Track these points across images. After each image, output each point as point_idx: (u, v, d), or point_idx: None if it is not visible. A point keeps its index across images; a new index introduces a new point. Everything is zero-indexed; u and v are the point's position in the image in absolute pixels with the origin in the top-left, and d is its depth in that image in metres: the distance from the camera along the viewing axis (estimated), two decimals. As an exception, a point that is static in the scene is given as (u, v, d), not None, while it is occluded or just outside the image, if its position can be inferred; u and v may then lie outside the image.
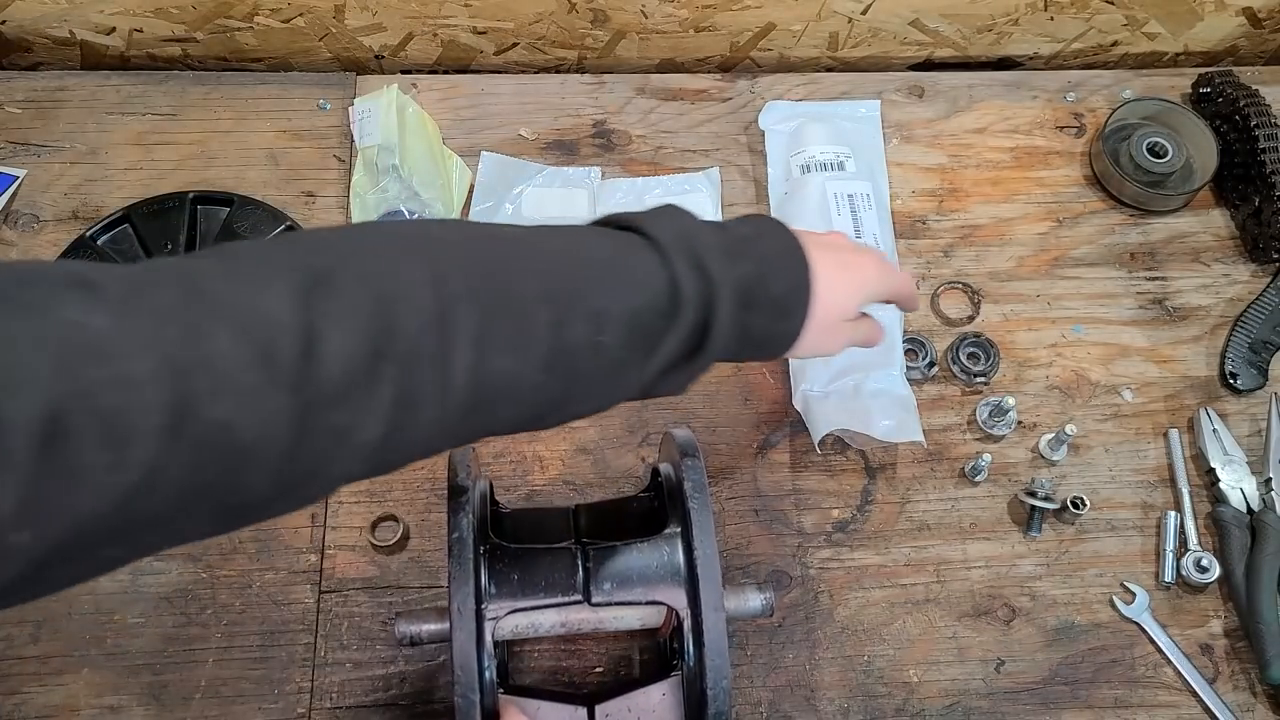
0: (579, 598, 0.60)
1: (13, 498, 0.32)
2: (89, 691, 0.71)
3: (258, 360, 0.37)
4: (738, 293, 0.52)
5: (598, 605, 0.61)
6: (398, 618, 0.64)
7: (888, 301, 0.65)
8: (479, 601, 0.58)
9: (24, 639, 0.72)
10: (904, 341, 0.83)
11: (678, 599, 0.60)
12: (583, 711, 0.63)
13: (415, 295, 0.42)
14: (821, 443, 0.78)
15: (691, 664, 0.59)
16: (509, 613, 0.60)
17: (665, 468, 0.68)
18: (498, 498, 0.75)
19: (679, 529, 0.62)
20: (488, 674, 0.58)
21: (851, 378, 0.80)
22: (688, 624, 0.60)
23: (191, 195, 0.87)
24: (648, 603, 0.61)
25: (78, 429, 0.33)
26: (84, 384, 0.34)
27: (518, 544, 0.62)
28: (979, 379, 0.84)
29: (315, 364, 0.39)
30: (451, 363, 0.43)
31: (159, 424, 0.35)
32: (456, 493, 0.60)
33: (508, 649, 0.73)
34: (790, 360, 0.83)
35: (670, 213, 0.54)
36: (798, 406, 0.81)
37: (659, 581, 0.61)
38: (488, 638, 0.58)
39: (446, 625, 0.57)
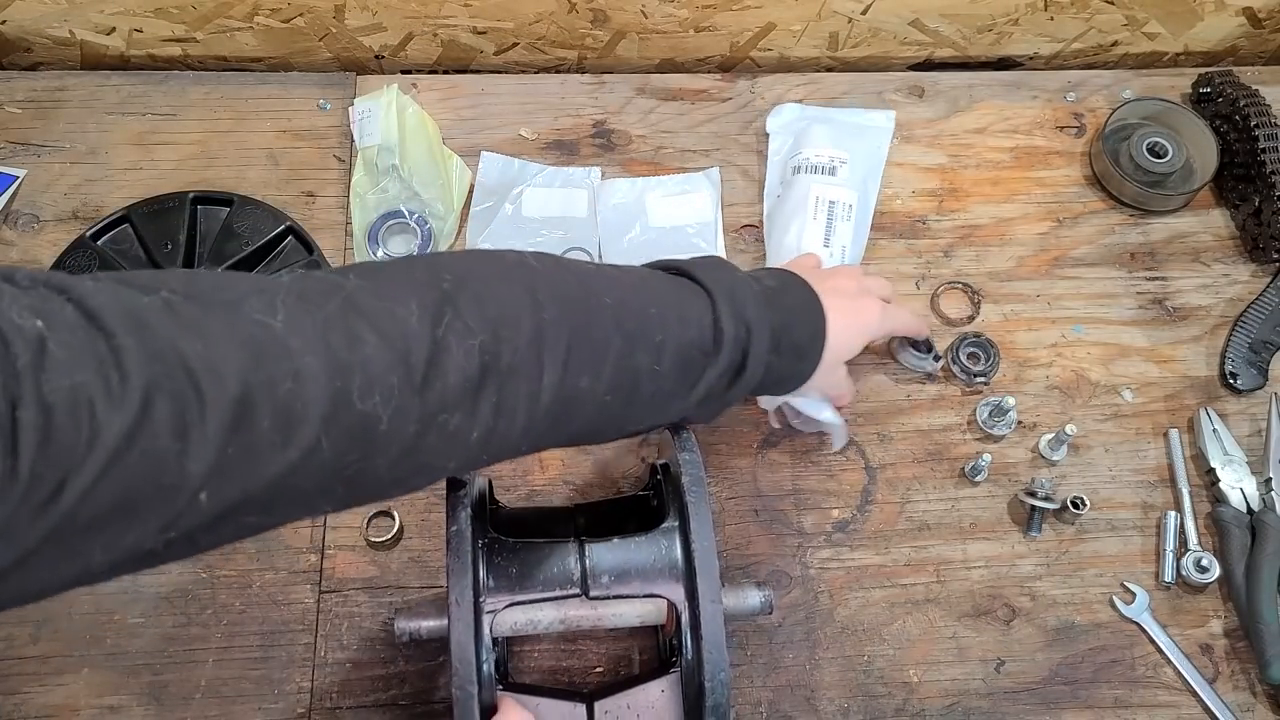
0: (577, 591, 0.61)
1: (205, 463, 0.39)
2: (89, 691, 0.71)
3: (398, 363, 0.45)
4: (769, 338, 0.61)
5: (595, 599, 0.61)
6: (397, 614, 0.64)
7: (890, 336, 0.74)
8: (477, 595, 0.58)
9: (24, 639, 0.72)
10: (904, 341, 0.83)
11: (675, 592, 0.61)
12: (582, 708, 0.63)
13: (519, 318, 0.50)
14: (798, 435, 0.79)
15: (690, 658, 0.60)
16: (507, 606, 0.60)
17: (664, 464, 0.68)
18: (498, 498, 0.76)
19: (676, 523, 0.62)
20: (486, 668, 0.58)
21: None
22: (685, 618, 0.60)
23: (191, 195, 0.87)
24: (645, 596, 0.61)
25: (258, 411, 0.40)
26: (264, 375, 0.40)
27: (516, 539, 0.62)
28: (979, 379, 0.84)
29: (439, 372, 0.46)
30: (542, 379, 0.50)
31: (321, 413, 0.42)
32: (455, 486, 0.60)
33: (508, 649, 0.73)
34: None
35: (718, 264, 0.63)
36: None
37: (656, 575, 0.61)
38: (486, 631, 0.58)
39: (445, 621, 0.57)
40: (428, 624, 0.64)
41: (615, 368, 0.54)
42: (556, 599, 0.61)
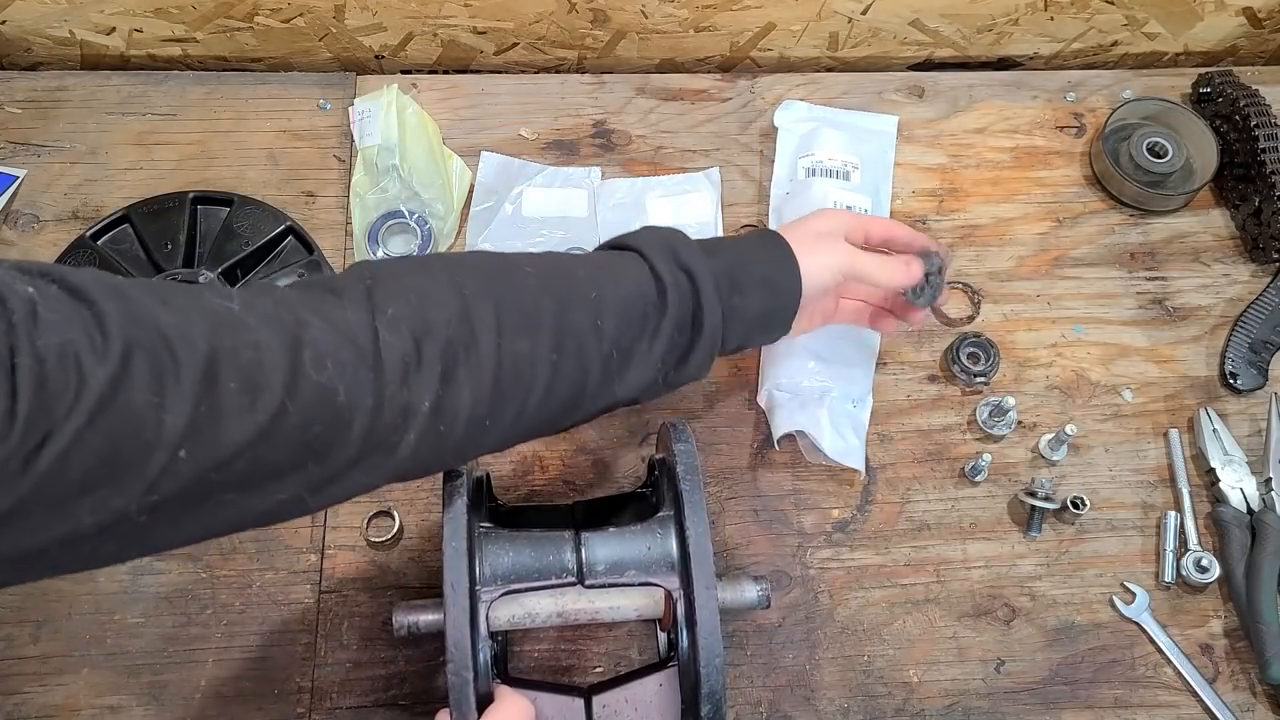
0: (573, 579, 0.61)
1: (181, 418, 0.42)
2: (89, 691, 0.71)
3: (346, 344, 0.49)
4: (720, 279, 0.61)
5: (591, 587, 0.61)
6: (395, 607, 0.64)
7: (861, 280, 0.70)
8: (473, 582, 0.59)
9: (24, 639, 0.72)
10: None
11: (670, 580, 0.61)
12: (580, 703, 0.63)
13: (442, 299, 0.53)
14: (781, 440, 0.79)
15: (685, 649, 0.60)
16: (503, 594, 0.60)
17: (660, 459, 0.68)
18: (497, 496, 0.76)
19: (671, 512, 0.63)
20: (482, 656, 0.58)
21: (820, 387, 0.80)
22: (681, 607, 0.60)
23: (191, 195, 0.87)
24: (640, 584, 0.61)
25: (225, 374, 0.44)
26: (228, 343, 0.44)
27: (513, 530, 0.63)
28: (979, 379, 0.84)
29: (381, 354, 0.50)
30: (478, 345, 0.53)
31: (281, 379, 0.45)
32: (451, 476, 0.61)
33: (508, 647, 0.73)
34: (761, 354, 0.83)
35: (651, 228, 0.64)
36: (761, 403, 0.81)
37: (651, 564, 0.61)
38: (482, 619, 0.59)
39: (443, 615, 0.57)
40: (426, 618, 0.64)
41: (554, 329, 0.56)
42: (552, 587, 0.61)
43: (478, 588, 0.59)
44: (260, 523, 0.49)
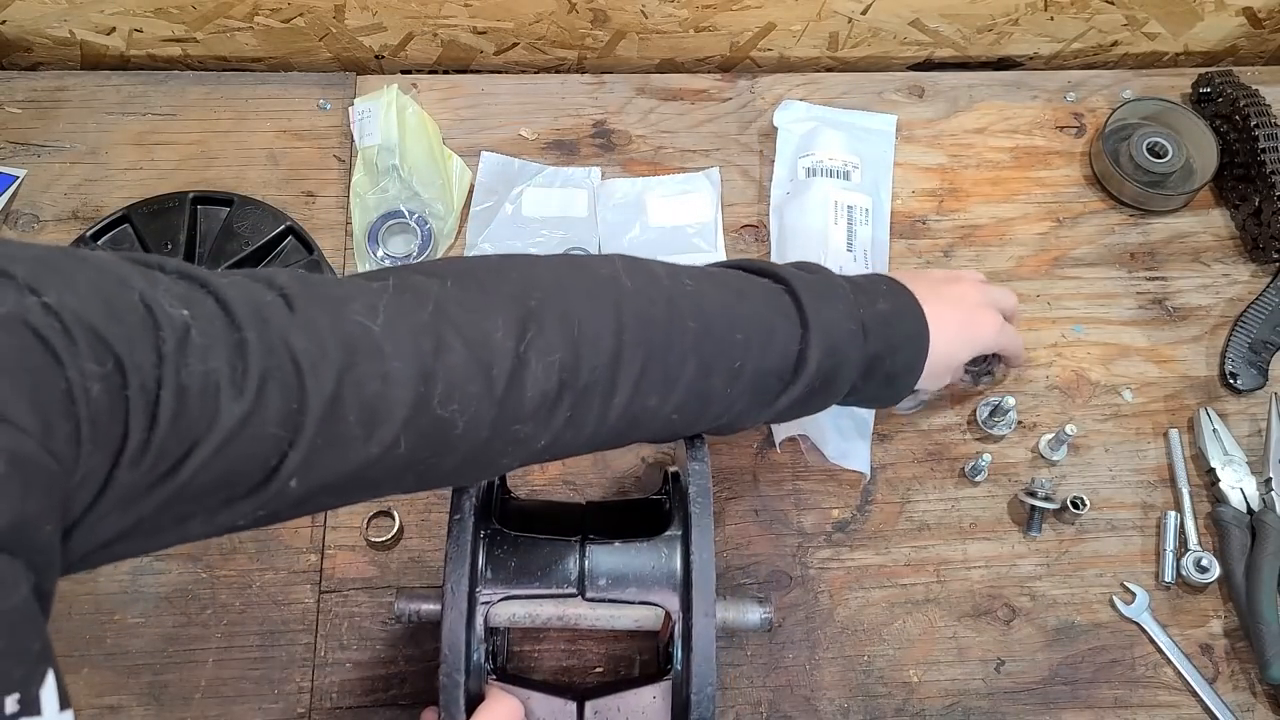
0: (574, 591, 0.61)
1: (300, 455, 0.42)
2: (89, 691, 0.71)
3: (480, 374, 0.48)
4: (859, 368, 0.61)
5: (592, 600, 0.61)
6: (398, 594, 0.64)
7: (1004, 355, 0.73)
8: (473, 585, 0.59)
9: (24, 639, 0.72)
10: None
11: (670, 601, 0.60)
12: (572, 706, 0.63)
13: (600, 339, 0.51)
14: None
15: (679, 669, 0.59)
16: (502, 599, 0.60)
17: (674, 473, 0.68)
18: (510, 490, 0.76)
19: (679, 532, 0.62)
20: (476, 656, 0.58)
21: None
22: (678, 629, 0.60)
23: (191, 195, 0.87)
24: (641, 603, 0.61)
25: (348, 406, 0.44)
26: (357, 374, 0.44)
27: (520, 532, 0.63)
28: (985, 378, 0.84)
29: (518, 386, 0.49)
30: (614, 397, 0.52)
31: (403, 415, 0.45)
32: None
33: (508, 645, 0.73)
34: None
35: (824, 285, 0.61)
36: None
37: (654, 583, 0.61)
38: (479, 620, 0.59)
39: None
40: (427, 607, 0.64)
41: (687, 391, 0.55)
42: (553, 597, 0.61)
43: (477, 590, 0.59)
44: (344, 506, 0.51)
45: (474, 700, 0.58)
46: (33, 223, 0.87)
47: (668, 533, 0.63)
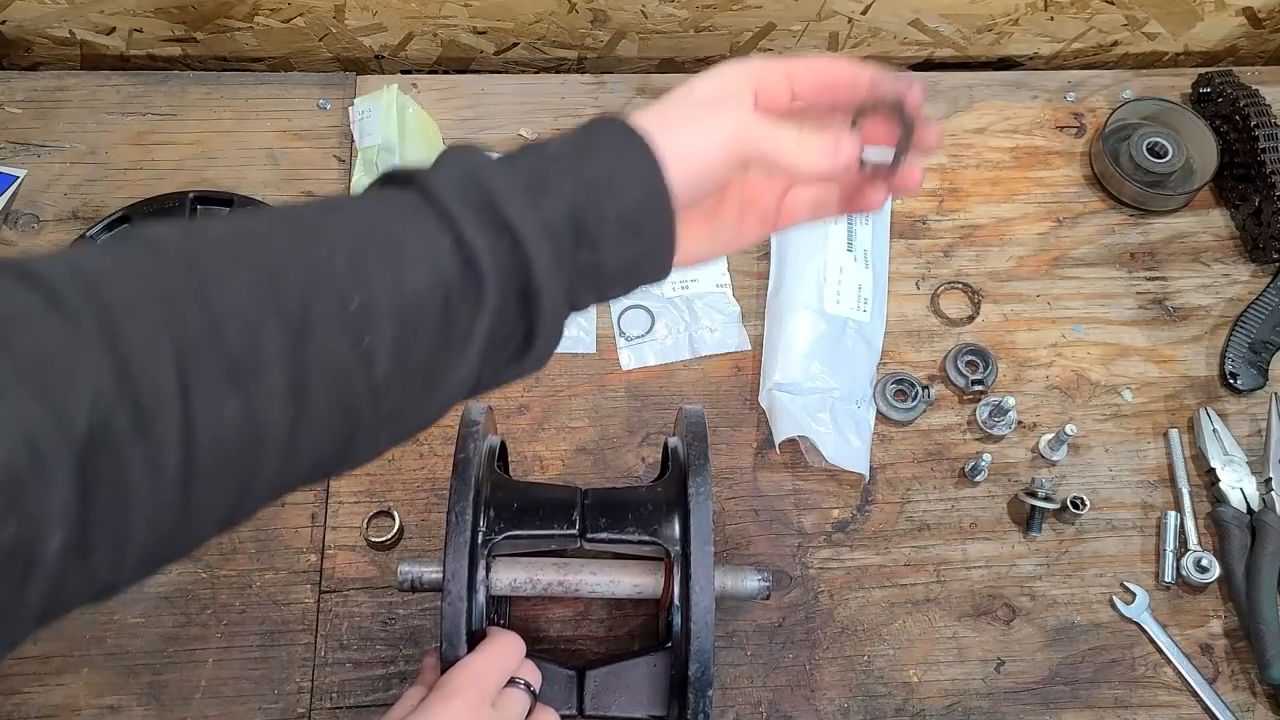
0: (574, 531, 0.62)
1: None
2: (89, 691, 0.71)
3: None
4: (560, 232, 0.42)
5: (592, 540, 0.62)
6: (402, 559, 0.65)
7: (771, 166, 0.48)
8: (476, 518, 0.60)
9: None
10: (892, 383, 0.83)
11: (669, 535, 0.62)
12: (574, 674, 0.65)
13: (82, 362, 0.32)
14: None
15: (678, 631, 0.60)
16: (504, 537, 0.61)
17: (673, 441, 0.70)
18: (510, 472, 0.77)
19: (675, 473, 0.64)
20: (479, 596, 0.59)
21: (823, 388, 0.80)
22: (678, 576, 0.60)
23: (191, 195, 0.87)
24: (640, 541, 0.62)
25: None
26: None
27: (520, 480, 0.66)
28: (976, 386, 0.84)
29: None
30: (152, 425, 0.33)
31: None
32: (469, 423, 0.62)
33: (510, 619, 0.73)
34: (762, 354, 0.83)
35: (455, 155, 0.43)
36: (763, 403, 0.81)
37: (652, 519, 0.62)
38: (481, 564, 0.60)
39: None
40: (430, 571, 0.64)
41: (286, 368, 0.36)
42: (554, 536, 0.62)
43: (479, 528, 0.61)
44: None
45: (474, 641, 0.59)
46: (33, 223, 0.87)
47: (665, 477, 0.65)
